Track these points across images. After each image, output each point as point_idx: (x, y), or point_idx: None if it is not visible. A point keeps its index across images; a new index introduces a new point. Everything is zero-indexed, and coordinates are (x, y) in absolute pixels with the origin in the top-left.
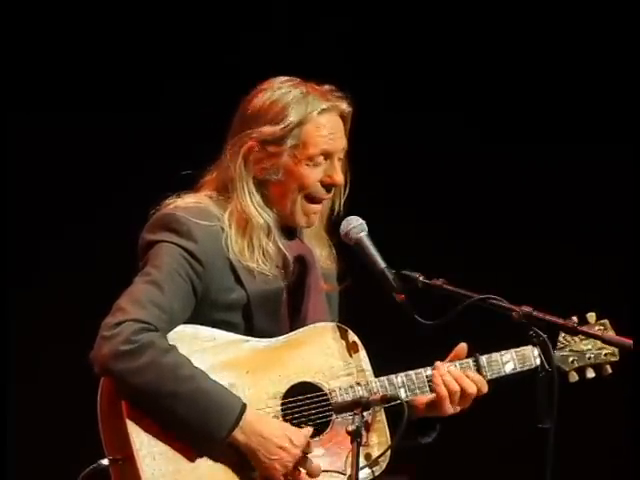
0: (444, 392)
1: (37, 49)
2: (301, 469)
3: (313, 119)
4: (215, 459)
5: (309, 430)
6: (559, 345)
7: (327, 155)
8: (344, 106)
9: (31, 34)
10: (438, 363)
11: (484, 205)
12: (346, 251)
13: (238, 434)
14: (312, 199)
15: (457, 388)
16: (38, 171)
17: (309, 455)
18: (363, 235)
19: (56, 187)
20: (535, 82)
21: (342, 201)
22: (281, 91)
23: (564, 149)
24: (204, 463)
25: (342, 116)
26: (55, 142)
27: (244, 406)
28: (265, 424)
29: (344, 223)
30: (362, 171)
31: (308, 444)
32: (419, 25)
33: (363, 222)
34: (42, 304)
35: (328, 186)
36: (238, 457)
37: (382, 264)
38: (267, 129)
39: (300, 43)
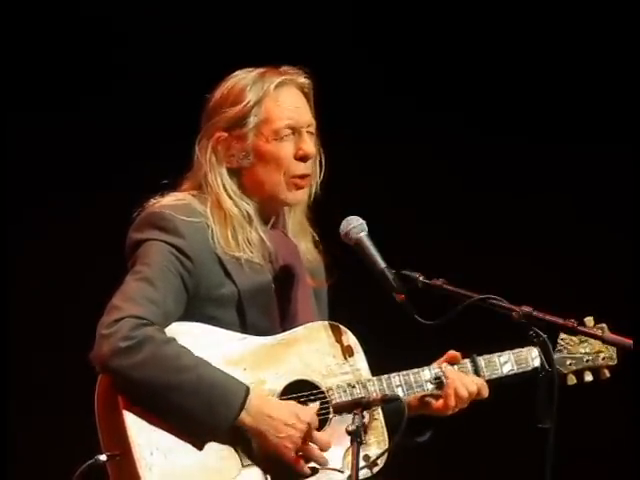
0: (453, 403)
1: (37, 50)
2: (311, 444)
3: (271, 94)
4: (223, 443)
5: (314, 407)
6: (557, 347)
7: (293, 129)
8: (301, 79)
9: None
10: (446, 369)
11: (484, 205)
12: (346, 251)
13: (245, 417)
14: (293, 177)
15: (466, 395)
16: (37, 170)
17: (316, 428)
18: (363, 235)
19: (55, 186)
20: (536, 82)
21: (318, 182)
22: (238, 78)
23: (565, 149)
24: (202, 456)
25: (303, 91)
26: (55, 142)
27: (248, 389)
28: (270, 404)
29: (344, 223)
30: (362, 171)
31: (315, 419)
32: (420, 24)
33: (363, 222)
34: (41, 302)
35: (302, 158)
36: (247, 439)
37: (382, 264)
38: (228, 113)
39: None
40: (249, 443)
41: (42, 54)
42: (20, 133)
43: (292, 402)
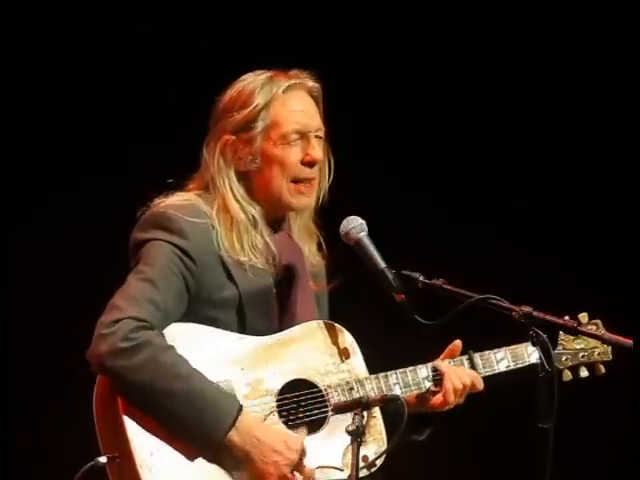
0: (452, 398)
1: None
2: (295, 473)
3: (279, 97)
4: (211, 458)
5: (304, 434)
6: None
7: (301, 133)
8: (310, 83)
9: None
10: (442, 365)
11: (484, 205)
12: (345, 250)
13: (234, 435)
14: (298, 181)
15: (461, 387)
16: (37, 170)
17: (304, 459)
18: (363, 235)
19: (54, 186)
20: (536, 83)
21: (326, 186)
22: (247, 81)
23: (564, 149)
24: (201, 460)
25: (312, 95)
26: (54, 142)
27: (240, 408)
28: (261, 427)
29: (344, 223)
30: (362, 171)
31: (304, 449)
32: (423, 24)
33: (363, 222)
34: (40, 302)
35: (309, 164)
36: (234, 458)
37: (382, 264)
38: (236, 116)
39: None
40: (235, 462)
41: (42, 55)
42: (20, 133)
43: (284, 430)
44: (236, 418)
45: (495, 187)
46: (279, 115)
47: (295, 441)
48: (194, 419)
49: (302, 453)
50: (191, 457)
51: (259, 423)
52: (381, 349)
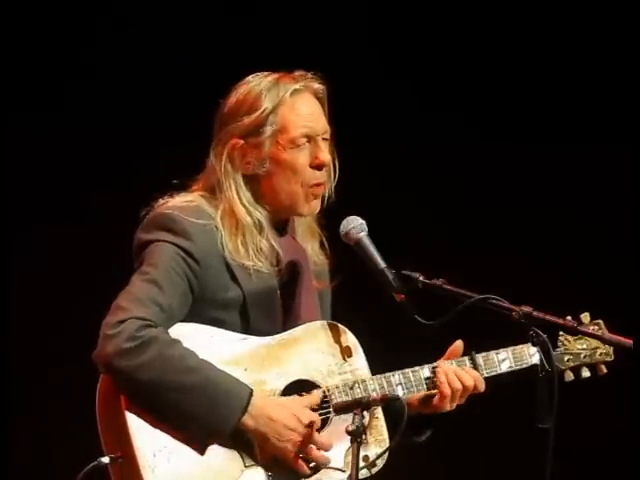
0: (448, 391)
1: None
2: (312, 446)
3: (287, 101)
4: (217, 450)
5: (315, 397)
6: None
7: (309, 137)
8: (316, 85)
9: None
10: (440, 362)
11: (484, 205)
12: (345, 250)
13: (247, 419)
14: (309, 186)
15: (460, 386)
16: (37, 171)
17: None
18: (363, 235)
19: (55, 186)
20: (536, 83)
21: (332, 186)
22: (253, 83)
23: (564, 149)
24: (204, 457)
25: (318, 97)
26: (54, 142)
27: (251, 392)
28: (273, 407)
29: (344, 223)
30: (362, 171)
31: (315, 420)
32: (418, 23)
33: (363, 222)
34: (41, 304)
35: (318, 167)
36: (251, 442)
37: (382, 264)
38: (245, 121)
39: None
40: (251, 445)
41: (43, 56)
42: (20, 134)
43: (294, 403)
44: (248, 402)
45: (495, 187)
46: (287, 120)
47: (307, 414)
48: (206, 410)
49: (316, 424)
50: (196, 454)
51: (270, 402)
52: (381, 349)
